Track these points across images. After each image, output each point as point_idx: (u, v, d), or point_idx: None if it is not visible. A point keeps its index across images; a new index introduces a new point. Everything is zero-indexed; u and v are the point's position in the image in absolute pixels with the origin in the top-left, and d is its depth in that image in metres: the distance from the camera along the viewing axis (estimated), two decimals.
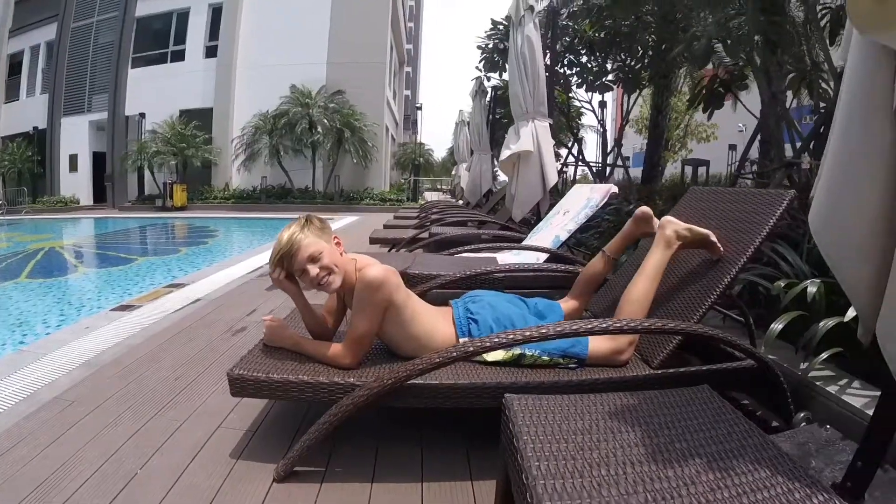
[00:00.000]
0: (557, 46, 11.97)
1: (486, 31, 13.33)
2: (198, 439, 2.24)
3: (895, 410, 1.51)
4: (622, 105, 14.57)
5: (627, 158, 22.32)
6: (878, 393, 2.18)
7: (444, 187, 32.60)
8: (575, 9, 12.24)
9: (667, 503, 1.12)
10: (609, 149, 14.62)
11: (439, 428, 2.34)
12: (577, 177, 15.58)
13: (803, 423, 2.20)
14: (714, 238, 2.36)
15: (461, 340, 2.24)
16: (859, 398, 2.22)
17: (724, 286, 2.24)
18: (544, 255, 4.05)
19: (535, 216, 5.71)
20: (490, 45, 13.13)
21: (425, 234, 5.93)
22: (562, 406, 1.54)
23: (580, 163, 13.67)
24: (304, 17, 22.41)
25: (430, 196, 28.74)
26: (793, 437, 2.03)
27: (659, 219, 2.59)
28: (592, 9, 11.15)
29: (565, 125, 14.56)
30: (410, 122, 34.25)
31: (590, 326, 1.88)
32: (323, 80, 22.14)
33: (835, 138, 1.34)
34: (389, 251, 5.69)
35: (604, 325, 1.88)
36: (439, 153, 47.89)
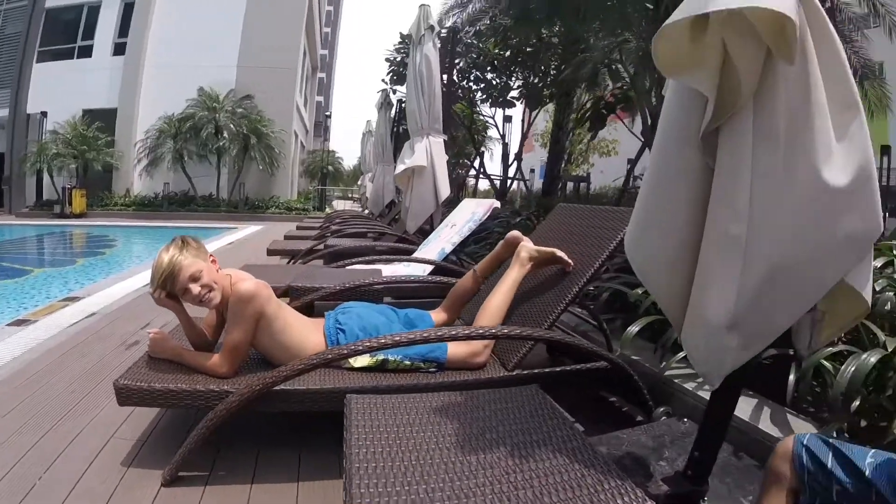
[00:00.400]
0: (462, 63, 12.31)
1: (394, 45, 13.56)
2: (93, 448, 2.32)
3: (722, 407, 1.74)
4: (524, 121, 15.09)
5: (533, 171, 23.05)
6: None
7: (355, 196, 32.48)
8: (482, 27, 12.62)
9: (470, 490, 1.28)
10: (510, 162, 15.10)
11: (317, 431, 2.46)
12: (481, 189, 16.00)
13: (663, 417, 2.48)
14: (560, 254, 2.65)
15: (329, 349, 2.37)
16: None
17: (571, 296, 2.51)
18: (430, 267, 4.22)
19: (430, 227, 5.90)
20: (398, 59, 13.36)
21: (322, 246, 6.00)
22: (394, 404, 1.72)
23: (482, 175, 14.04)
24: (216, 18, 21.64)
25: (340, 205, 28.57)
26: (651, 429, 2.29)
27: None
28: (498, 28, 11.53)
29: (469, 139, 14.94)
30: (322, 129, 33.79)
31: (440, 334, 2.10)
32: (232, 84, 21.56)
33: (651, 164, 1.54)
34: (288, 263, 5.72)
35: (452, 333, 2.12)
36: (351, 161, 47.53)
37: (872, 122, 15.14)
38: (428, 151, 5.71)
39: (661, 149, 1.49)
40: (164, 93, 20.89)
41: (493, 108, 13.74)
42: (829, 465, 1.16)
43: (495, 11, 11.54)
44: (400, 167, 5.87)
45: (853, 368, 2.23)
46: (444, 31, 13.37)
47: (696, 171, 1.42)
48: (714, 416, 1.79)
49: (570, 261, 2.64)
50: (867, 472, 1.13)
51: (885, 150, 14.59)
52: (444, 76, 8.05)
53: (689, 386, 2.64)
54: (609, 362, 2.43)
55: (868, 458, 1.15)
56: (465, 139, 15.55)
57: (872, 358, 2.26)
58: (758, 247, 1.33)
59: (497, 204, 4.58)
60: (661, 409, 2.52)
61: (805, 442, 1.22)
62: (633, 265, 1.62)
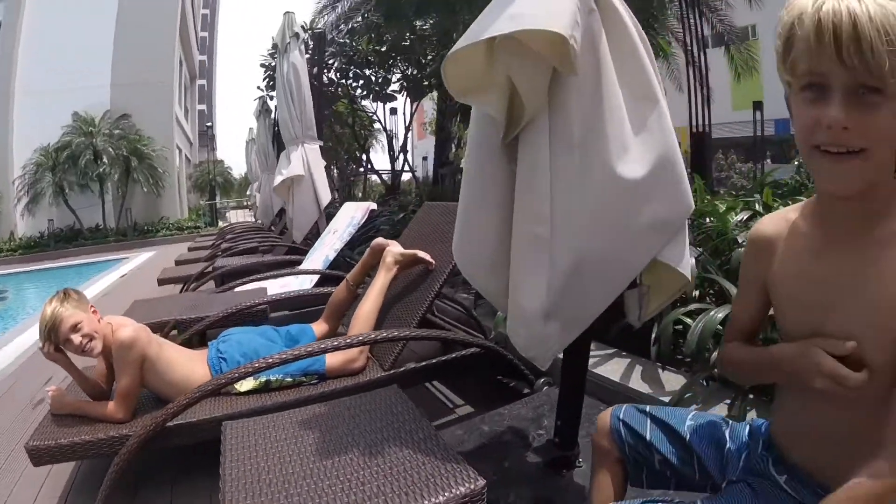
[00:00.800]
0: (337, 63, 12.26)
1: (268, 50, 13.29)
2: None
3: (572, 375, 1.93)
4: (409, 112, 15.21)
5: (425, 159, 23.11)
6: (608, 351, 2.71)
7: (250, 204, 31.57)
8: (355, 25, 12.59)
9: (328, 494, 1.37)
10: (396, 155, 15.16)
11: None
12: (377, 182, 16.01)
13: (545, 388, 2.64)
14: (422, 255, 2.79)
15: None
16: (613, 366, 2.71)
17: (433, 293, 2.67)
18: (317, 276, 4.25)
19: (318, 233, 5.89)
20: (273, 64, 13.11)
21: (211, 269, 5.87)
22: (268, 424, 1.79)
23: (370, 171, 14.06)
24: (86, 36, 20.06)
25: (235, 217, 27.63)
26: (531, 401, 2.44)
27: None
28: (371, 25, 11.53)
29: (353, 136, 14.91)
30: (207, 138, 32.34)
31: (309, 349, 2.17)
32: (107, 105, 20.23)
33: (464, 172, 1.66)
34: (181, 291, 5.56)
35: (322, 346, 2.19)
36: (241, 168, 46.09)
37: (740, 84, 16.27)
38: (304, 160, 5.70)
39: (472, 157, 1.61)
40: (38, 122, 19.16)
41: (374, 103, 13.73)
42: (648, 435, 1.25)
43: (367, 9, 11.54)
44: (278, 178, 5.83)
45: (702, 324, 2.46)
46: (317, 29, 13.31)
47: (503, 178, 1.54)
48: (567, 384, 1.95)
49: (431, 260, 2.78)
50: (687, 437, 1.21)
51: (757, 105, 15.68)
52: (318, 79, 8.03)
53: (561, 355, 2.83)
54: (480, 346, 2.60)
55: (688, 421, 1.25)
56: (350, 137, 15.52)
57: (720, 314, 2.48)
58: (561, 243, 1.44)
59: (373, 206, 4.68)
60: (542, 381, 2.70)
61: (621, 416, 1.30)
62: (460, 269, 1.75)
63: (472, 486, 1.36)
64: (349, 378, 2.49)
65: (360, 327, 2.62)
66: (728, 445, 1.18)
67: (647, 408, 1.31)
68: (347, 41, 12.59)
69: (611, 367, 2.73)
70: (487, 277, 1.67)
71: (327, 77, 13.37)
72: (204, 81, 50.77)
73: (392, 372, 2.51)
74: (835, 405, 0.92)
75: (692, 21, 7.38)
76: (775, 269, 1.04)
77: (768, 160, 28.30)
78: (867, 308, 0.88)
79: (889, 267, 0.86)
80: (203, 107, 49.22)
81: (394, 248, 2.87)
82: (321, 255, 4.62)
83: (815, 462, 0.97)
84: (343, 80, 13.19)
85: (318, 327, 2.92)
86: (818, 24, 0.80)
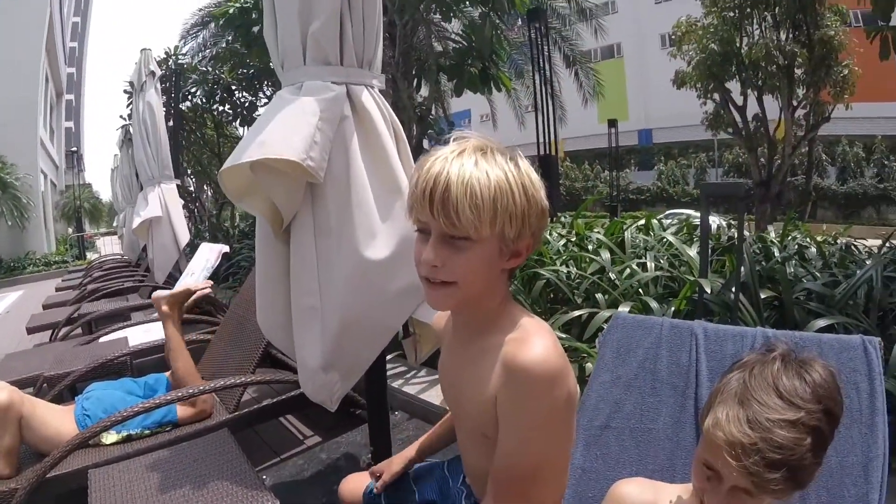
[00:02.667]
0: (200, 91, 12.07)
1: (130, 76, 12.87)
2: None
3: (373, 406, 2.24)
4: None
5: None
6: (432, 378, 3.00)
7: (119, 235, 29.54)
8: (219, 51, 12.45)
9: None
10: None
11: None
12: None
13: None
14: (193, 285, 3.08)
15: None
16: (417, 385, 3.00)
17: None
18: None
19: (179, 272, 5.88)
20: None
21: (76, 315, 5.74)
22: (122, 469, 2.00)
23: None
24: None
25: (105, 246, 26.02)
26: (366, 427, 2.68)
27: None
28: (235, 52, 11.45)
29: (219, 163, 14.70)
30: (74, 160, 30.07)
31: (156, 402, 2.36)
32: None
33: (256, 253, 1.96)
34: (51, 340, 5.41)
35: (168, 398, 2.39)
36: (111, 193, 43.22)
37: (604, 100, 17.40)
38: (161, 200, 5.68)
39: (259, 243, 1.91)
40: None
41: (242, 127, 13.62)
42: None
43: (227, 38, 11.47)
44: (136, 220, 5.78)
45: None
46: (181, 54, 13.05)
47: (282, 259, 1.85)
48: (372, 413, 2.25)
49: (205, 287, 3.03)
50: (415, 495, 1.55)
51: (611, 122, 16.82)
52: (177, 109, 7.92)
53: (397, 384, 3.14)
54: None
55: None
56: (218, 164, 15.29)
57: None
58: (329, 311, 1.77)
59: (225, 248, 4.76)
60: None
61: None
62: (263, 332, 2.05)
63: None
64: (199, 423, 2.65)
65: (190, 381, 2.76)
66: (446, 482, 1.49)
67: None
68: (210, 69, 12.44)
69: (436, 391, 3.06)
70: (282, 337, 1.95)
71: (191, 103, 13.13)
72: (72, 96, 47.74)
73: (236, 414, 2.69)
74: (475, 451, 1.23)
75: (543, 49, 7.92)
76: (441, 360, 1.34)
77: (635, 168, 30.49)
78: (471, 396, 1.12)
79: (485, 369, 1.08)
80: (70, 124, 46.30)
81: (160, 293, 2.98)
82: None
83: (479, 489, 1.24)
84: (208, 105, 12.99)
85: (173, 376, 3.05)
86: (424, 183, 1.00)
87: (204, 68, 12.46)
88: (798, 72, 14.10)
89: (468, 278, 1.04)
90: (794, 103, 14.44)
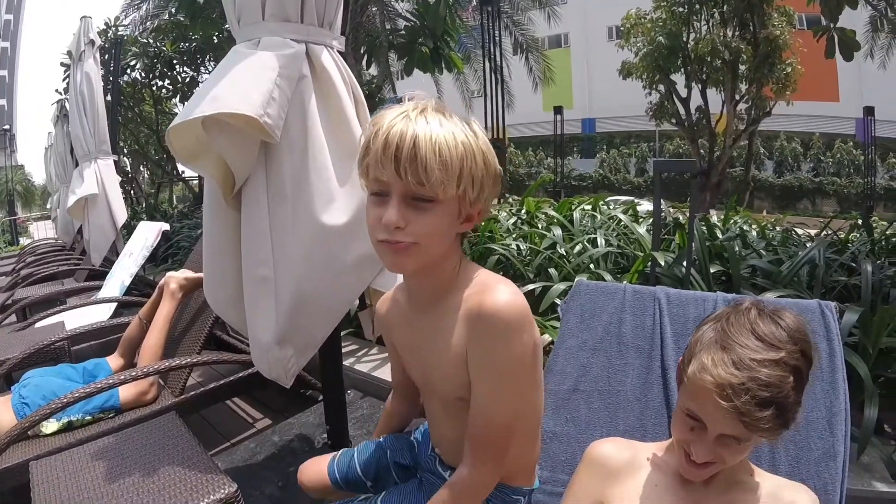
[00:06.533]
0: (140, 64, 11.67)
1: (68, 48, 12.32)
2: None
3: (329, 385, 2.20)
4: None
5: None
6: (384, 355, 2.98)
7: (53, 217, 28.38)
8: (161, 23, 12.04)
9: None
10: None
11: None
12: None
13: None
14: None
15: None
16: (370, 363, 2.97)
17: (213, 318, 2.78)
18: (113, 305, 4.15)
19: (117, 253, 5.67)
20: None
21: (10, 301, 5.47)
22: (65, 460, 1.87)
23: (176, 178, 13.59)
24: None
25: (38, 231, 24.93)
26: (319, 407, 2.65)
27: None
28: (177, 24, 11.09)
29: (157, 141, 14.29)
30: (6, 140, 28.41)
31: (98, 386, 2.21)
32: None
33: (203, 224, 1.86)
34: None
35: (110, 382, 2.24)
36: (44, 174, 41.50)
37: (550, 87, 17.64)
38: (98, 177, 5.43)
39: (206, 208, 1.81)
40: None
41: (183, 103, 13.21)
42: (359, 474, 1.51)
43: (171, 9, 11.09)
44: (72, 198, 5.51)
45: None
46: (121, 26, 12.55)
47: (233, 228, 1.75)
48: (328, 391, 2.21)
49: None
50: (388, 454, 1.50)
51: (557, 109, 16.97)
52: (115, 84, 7.65)
53: (349, 362, 3.11)
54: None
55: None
56: (155, 142, 14.85)
57: None
58: (283, 282, 1.70)
59: (165, 226, 4.62)
60: None
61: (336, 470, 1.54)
62: (212, 307, 1.96)
63: (227, 491, 1.58)
64: (145, 408, 2.53)
65: (147, 360, 2.66)
66: (414, 451, 1.46)
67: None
68: (151, 41, 12.01)
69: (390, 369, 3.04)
70: (232, 312, 1.88)
71: (130, 78, 12.69)
72: (5, 72, 45.48)
73: (183, 398, 2.60)
74: (450, 422, 1.21)
75: (495, 33, 7.91)
76: (394, 341, 1.32)
77: (577, 156, 31.21)
78: (440, 362, 1.11)
79: (450, 330, 1.08)
80: (3, 102, 44.18)
81: (176, 274, 2.90)
82: (117, 280, 4.49)
83: (453, 459, 1.21)
84: (147, 80, 12.57)
85: (115, 361, 2.92)
86: (387, 141, 0.96)
87: (145, 40, 12.00)
88: (742, 68, 14.59)
89: (431, 239, 1.02)
90: (737, 97, 14.93)
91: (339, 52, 1.84)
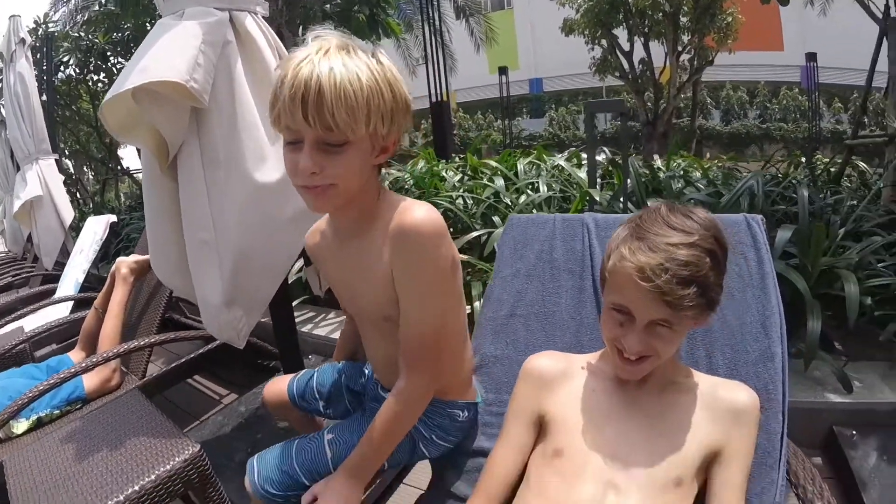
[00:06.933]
0: (73, 59, 11.35)
1: None
2: None
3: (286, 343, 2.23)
4: None
5: None
6: (341, 319, 3.01)
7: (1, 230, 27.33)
8: (92, 15, 11.67)
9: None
10: None
11: None
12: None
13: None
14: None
15: None
16: (327, 327, 3.05)
17: (168, 294, 2.79)
18: (71, 303, 4.10)
19: (68, 255, 5.57)
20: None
21: None
22: (36, 450, 1.88)
23: (122, 173, 13.33)
24: None
25: None
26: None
27: None
28: (108, 14, 10.77)
29: (97, 138, 13.95)
30: None
31: (61, 377, 2.24)
32: None
33: (143, 194, 1.88)
34: None
35: (71, 371, 2.26)
36: None
37: (495, 48, 17.65)
38: (41, 178, 5.30)
39: (145, 177, 1.84)
40: None
41: None
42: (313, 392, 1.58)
43: (100, 0, 10.78)
44: (17, 203, 5.40)
45: None
46: (51, 22, 12.14)
47: (171, 196, 1.78)
48: (284, 358, 2.31)
49: None
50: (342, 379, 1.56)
51: (502, 70, 16.95)
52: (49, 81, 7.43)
53: (307, 328, 3.16)
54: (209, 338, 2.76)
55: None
56: (96, 139, 14.46)
57: None
58: (224, 243, 1.73)
59: (113, 218, 4.55)
60: None
61: (295, 392, 1.61)
62: (159, 277, 2.00)
63: (190, 451, 1.62)
64: (109, 395, 2.53)
65: (106, 347, 2.66)
66: (363, 379, 1.51)
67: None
68: (83, 35, 11.66)
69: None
70: (179, 280, 1.91)
71: (65, 75, 12.32)
72: None
73: (146, 380, 2.61)
74: (382, 343, 1.27)
75: None
76: (325, 272, 1.37)
77: (527, 116, 31.25)
78: (367, 285, 1.18)
79: (374, 252, 1.13)
80: None
81: (127, 259, 2.88)
82: (72, 279, 4.43)
83: (390, 381, 1.23)
84: (83, 76, 12.21)
85: (77, 355, 2.90)
86: (293, 89, 0.97)
87: (76, 34, 11.63)
88: (684, 19, 14.69)
89: (347, 179, 1.06)
90: (680, 49, 15.08)
91: (263, 17, 1.85)
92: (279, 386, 1.64)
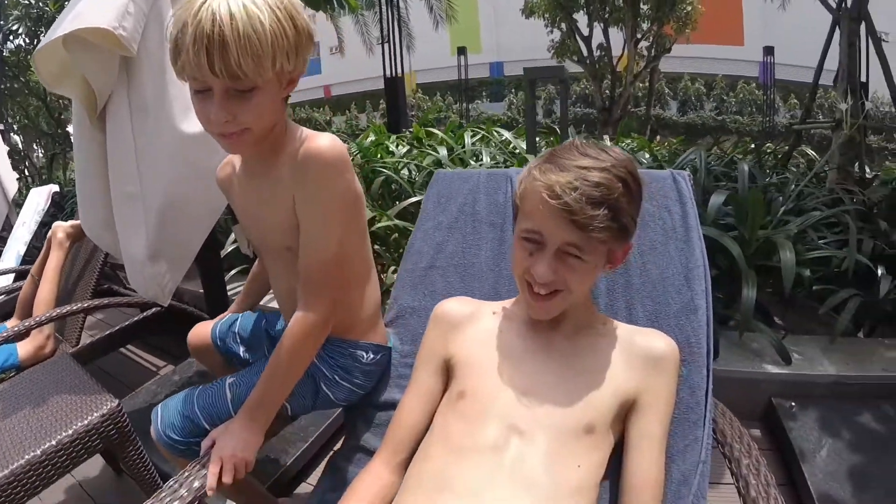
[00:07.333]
0: (23, 28, 10.95)
1: None
2: None
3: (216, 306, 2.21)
4: None
5: None
6: None
7: None
8: None
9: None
10: None
11: None
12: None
13: None
14: None
15: None
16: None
17: (102, 260, 2.76)
18: (11, 275, 3.97)
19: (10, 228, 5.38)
20: None
21: None
22: None
23: (69, 149, 12.94)
24: None
25: None
26: None
27: None
28: None
29: (46, 111, 13.56)
30: None
31: None
32: None
33: (74, 149, 1.86)
34: None
35: (3, 335, 2.22)
36: None
37: (455, 27, 17.63)
38: None
39: (76, 136, 1.81)
40: None
41: None
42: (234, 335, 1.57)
43: None
44: None
45: None
46: None
47: (100, 149, 1.74)
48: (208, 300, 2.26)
49: None
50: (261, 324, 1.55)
51: (461, 50, 16.91)
52: None
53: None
54: (158, 305, 2.70)
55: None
56: (44, 113, 13.98)
57: None
58: (150, 195, 1.71)
59: (55, 188, 4.42)
60: None
61: (217, 334, 1.60)
62: (87, 233, 1.97)
63: (109, 406, 1.60)
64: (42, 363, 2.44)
65: (41, 312, 2.58)
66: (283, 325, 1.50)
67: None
68: (33, 2, 11.20)
69: None
70: (105, 235, 1.86)
71: (14, 45, 11.87)
72: None
73: (79, 347, 2.57)
74: (284, 274, 1.27)
75: None
76: (232, 205, 1.38)
77: (487, 100, 31.41)
78: (270, 214, 1.19)
79: (279, 181, 1.14)
80: None
81: (63, 223, 2.80)
82: (13, 252, 4.29)
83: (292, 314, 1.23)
84: (32, 46, 11.73)
85: (12, 324, 2.81)
86: (196, 43, 0.94)
87: (27, 1, 11.18)
88: (644, 7, 14.81)
89: (260, 121, 1.07)
90: (638, 36, 15.21)
91: None
92: (203, 329, 1.64)
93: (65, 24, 1.49)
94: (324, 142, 1.08)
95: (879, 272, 2.47)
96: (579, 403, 0.97)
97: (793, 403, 2.14)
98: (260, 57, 0.96)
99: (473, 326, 1.13)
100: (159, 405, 1.32)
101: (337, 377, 1.28)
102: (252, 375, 1.25)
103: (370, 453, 1.19)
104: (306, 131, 1.14)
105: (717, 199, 2.49)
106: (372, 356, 1.31)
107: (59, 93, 1.72)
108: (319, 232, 1.12)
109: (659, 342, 1.04)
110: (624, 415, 1.00)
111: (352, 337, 1.29)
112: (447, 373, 1.12)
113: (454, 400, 1.05)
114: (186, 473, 1.09)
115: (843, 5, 4.28)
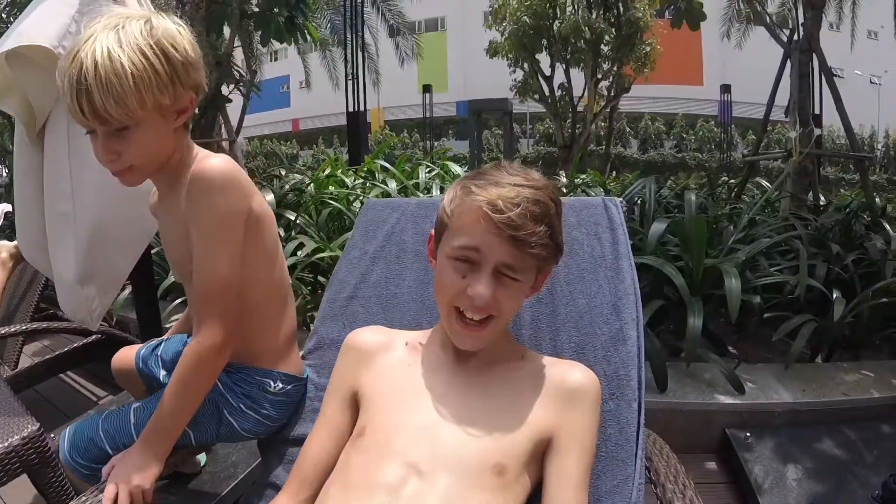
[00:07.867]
0: None
1: None
2: None
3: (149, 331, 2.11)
4: None
5: None
6: None
7: None
8: None
9: None
10: None
11: None
12: None
13: None
14: None
15: None
16: None
17: (42, 284, 2.72)
18: None
19: None
20: None
21: None
22: None
23: None
24: None
25: None
26: None
27: None
28: None
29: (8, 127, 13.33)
30: None
31: None
32: None
33: (14, 169, 1.82)
34: None
35: None
36: None
37: (421, 65, 17.90)
38: None
39: (16, 155, 1.79)
40: None
41: None
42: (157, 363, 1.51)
43: None
44: None
45: None
46: None
47: (38, 168, 1.72)
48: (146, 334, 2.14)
49: None
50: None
51: (426, 88, 17.06)
52: None
53: (177, 317, 3.03)
54: (100, 333, 2.67)
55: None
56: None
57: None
58: (82, 216, 1.67)
59: (8, 208, 4.29)
60: None
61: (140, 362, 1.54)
62: (23, 254, 1.95)
63: (29, 430, 1.58)
64: None
65: None
66: None
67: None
68: (4, 17, 11.06)
69: None
70: (39, 256, 1.82)
71: None
72: None
73: (17, 370, 2.55)
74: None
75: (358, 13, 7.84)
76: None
77: (453, 138, 31.85)
78: (174, 239, 1.19)
79: (178, 205, 1.12)
80: None
81: (7, 243, 2.73)
82: None
83: None
84: None
85: None
86: (69, 88, 0.98)
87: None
88: (605, 48, 15.19)
89: (144, 156, 1.08)
90: (599, 76, 15.57)
91: None
92: (128, 353, 1.59)
93: (8, 41, 1.51)
94: (211, 162, 1.08)
95: (834, 295, 2.48)
96: (488, 441, 0.92)
97: (748, 434, 2.11)
98: (122, 98, 0.97)
99: (384, 357, 1.09)
100: (69, 427, 1.27)
101: (243, 406, 1.23)
102: (156, 401, 1.19)
103: (279, 489, 1.11)
104: (202, 154, 1.15)
105: (658, 227, 2.49)
106: (281, 386, 1.25)
107: (1, 108, 1.71)
108: (203, 253, 1.09)
109: (575, 374, 1.00)
110: (541, 454, 0.94)
111: (260, 365, 1.25)
112: (355, 406, 1.07)
113: (356, 436, 1.00)
114: (84, 499, 1.06)
115: (794, 38, 4.42)
